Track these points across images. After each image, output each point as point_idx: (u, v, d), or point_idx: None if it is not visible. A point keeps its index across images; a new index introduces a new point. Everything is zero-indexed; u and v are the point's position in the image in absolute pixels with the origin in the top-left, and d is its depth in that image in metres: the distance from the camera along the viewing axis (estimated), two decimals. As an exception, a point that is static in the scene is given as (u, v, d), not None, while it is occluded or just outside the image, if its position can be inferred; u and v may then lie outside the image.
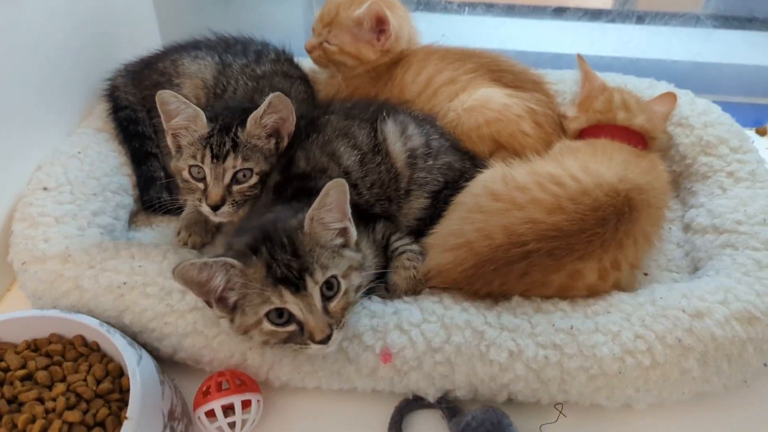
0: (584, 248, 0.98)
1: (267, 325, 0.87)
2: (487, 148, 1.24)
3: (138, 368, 0.86)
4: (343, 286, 0.88)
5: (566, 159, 1.11)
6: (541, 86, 1.33)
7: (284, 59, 1.35)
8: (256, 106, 1.06)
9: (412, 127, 1.15)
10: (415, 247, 1.07)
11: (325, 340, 0.85)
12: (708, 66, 1.68)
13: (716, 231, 1.12)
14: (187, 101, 1.06)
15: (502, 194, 1.04)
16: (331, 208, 0.89)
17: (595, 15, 1.83)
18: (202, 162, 1.06)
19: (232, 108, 1.12)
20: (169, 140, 1.10)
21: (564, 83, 1.42)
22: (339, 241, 0.91)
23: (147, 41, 1.47)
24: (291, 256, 0.86)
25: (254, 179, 1.08)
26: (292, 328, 0.87)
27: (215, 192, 1.06)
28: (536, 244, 0.97)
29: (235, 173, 1.06)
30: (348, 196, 0.89)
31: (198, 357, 0.97)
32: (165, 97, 1.05)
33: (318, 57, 1.36)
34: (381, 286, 1.05)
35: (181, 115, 1.06)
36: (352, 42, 1.33)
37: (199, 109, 1.06)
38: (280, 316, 0.86)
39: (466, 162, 1.19)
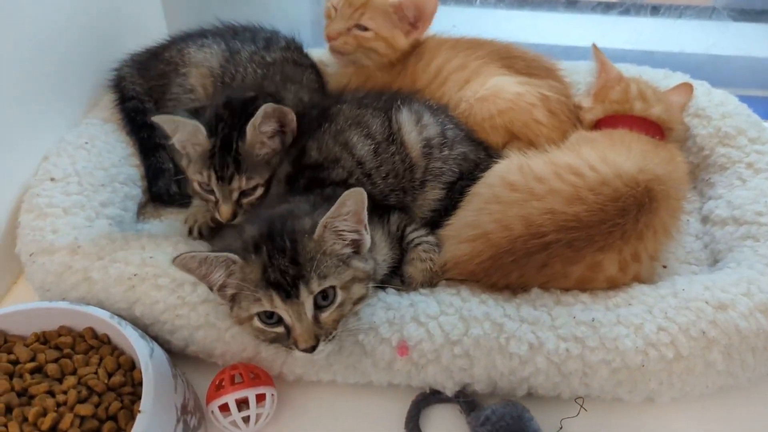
0: (604, 239, 0.96)
1: (257, 323, 0.86)
2: (500, 139, 1.22)
3: (150, 361, 0.84)
4: (339, 298, 0.86)
5: (584, 149, 1.09)
6: (554, 73, 1.31)
7: (294, 48, 1.33)
8: (260, 95, 1.04)
9: (427, 116, 1.12)
10: (431, 238, 1.04)
11: (309, 350, 0.84)
12: (722, 59, 1.66)
13: (736, 222, 1.10)
14: (183, 119, 1.04)
15: (520, 185, 1.02)
16: (347, 217, 0.86)
17: (608, 7, 1.81)
18: (209, 181, 1.06)
19: (233, 105, 1.09)
20: (176, 143, 1.08)
21: (578, 74, 1.39)
22: (349, 250, 0.88)
23: (153, 32, 1.45)
24: (289, 262, 0.83)
25: (260, 191, 1.08)
26: (280, 330, 0.85)
27: (225, 209, 1.07)
28: (556, 234, 0.95)
29: (242, 191, 1.07)
30: (366, 205, 0.86)
31: (210, 350, 0.95)
32: (160, 122, 1.05)
33: (343, 44, 1.30)
34: (396, 278, 1.03)
35: (181, 131, 1.05)
36: (389, 27, 1.29)
37: (197, 123, 1.04)
38: (270, 316, 0.85)
39: (481, 153, 1.17)
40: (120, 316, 0.93)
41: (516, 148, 1.17)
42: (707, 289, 0.94)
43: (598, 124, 1.23)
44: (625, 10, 1.79)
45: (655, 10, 1.77)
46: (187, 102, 1.24)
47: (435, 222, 1.09)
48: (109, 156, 1.19)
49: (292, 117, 1.07)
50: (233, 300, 0.87)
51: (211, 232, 1.16)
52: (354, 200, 0.84)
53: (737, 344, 0.90)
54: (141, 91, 1.29)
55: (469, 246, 0.99)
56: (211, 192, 1.07)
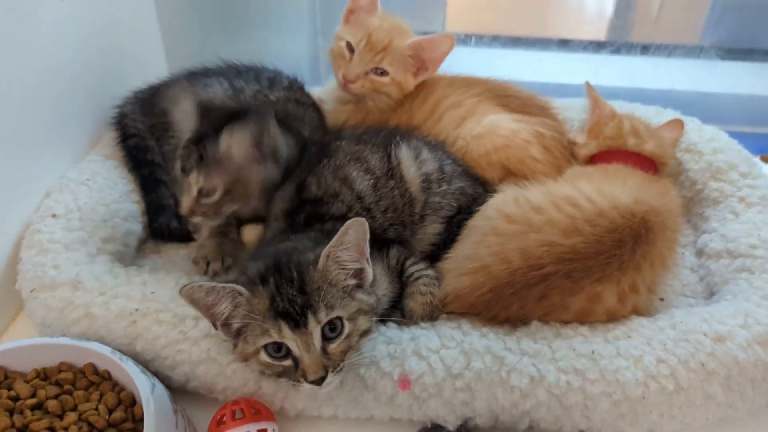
0: (602, 270, 0.97)
1: (264, 356, 0.85)
2: (496, 175, 1.24)
3: (152, 397, 0.84)
4: (347, 328, 0.86)
5: (580, 182, 1.10)
6: (548, 111, 1.34)
7: (296, 87, 1.35)
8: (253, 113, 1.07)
9: (425, 152, 1.15)
10: (430, 272, 1.05)
11: (318, 381, 0.83)
12: (711, 96, 1.70)
13: (731, 255, 1.11)
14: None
15: (517, 216, 1.03)
16: (348, 247, 0.86)
17: (599, 46, 1.85)
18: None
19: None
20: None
21: (571, 110, 1.43)
22: (352, 281, 0.89)
23: (155, 70, 1.48)
24: (297, 292, 0.84)
25: (218, 195, 1.09)
26: (287, 363, 0.85)
27: (184, 200, 1.09)
28: (554, 266, 0.96)
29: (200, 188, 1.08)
30: (368, 235, 0.87)
31: (211, 385, 0.95)
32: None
33: (360, 87, 1.32)
34: (397, 312, 1.04)
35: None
36: (403, 71, 1.33)
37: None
38: (278, 350, 0.85)
39: (478, 187, 1.19)
40: (121, 351, 0.93)
41: (512, 184, 1.19)
42: (705, 321, 0.95)
43: (592, 160, 1.26)
44: (616, 49, 1.84)
45: (645, 49, 1.82)
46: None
47: (434, 256, 1.11)
48: (110, 192, 1.20)
49: (270, 141, 1.08)
50: (238, 336, 0.87)
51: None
52: (355, 230, 0.85)
53: (736, 376, 0.90)
54: (143, 129, 1.31)
55: (469, 279, 1.00)
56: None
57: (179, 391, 0.97)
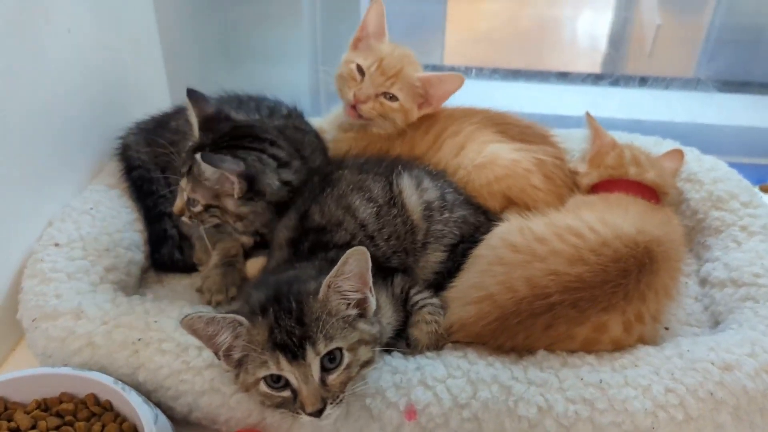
0: (608, 299, 0.97)
1: (263, 387, 0.84)
2: (498, 204, 1.24)
3: (155, 428, 0.83)
4: (346, 359, 0.85)
5: (583, 212, 1.11)
6: (548, 139, 1.35)
7: (296, 115, 1.36)
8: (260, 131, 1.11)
9: (427, 180, 1.15)
10: (435, 300, 1.05)
11: (317, 413, 0.82)
12: (709, 127, 1.72)
13: (735, 284, 1.11)
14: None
15: (522, 246, 1.03)
16: (349, 277, 0.86)
17: (597, 78, 1.88)
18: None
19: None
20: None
21: (571, 141, 1.44)
22: (354, 311, 0.88)
23: (158, 101, 1.49)
24: (295, 323, 0.83)
25: (199, 208, 1.11)
26: (286, 394, 0.84)
27: (177, 201, 1.14)
28: (560, 295, 0.96)
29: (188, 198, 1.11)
30: (369, 264, 0.86)
31: (214, 416, 0.93)
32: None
33: (369, 109, 1.32)
34: (402, 341, 1.03)
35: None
36: (411, 100, 1.34)
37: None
38: (277, 380, 0.84)
39: (480, 216, 1.19)
40: (123, 381, 0.92)
41: (514, 213, 1.19)
42: (712, 350, 0.95)
43: (594, 189, 1.26)
44: (615, 81, 1.87)
45: (642, 81, 1.85)
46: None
47: (439, 284, 1.10)
48: (113, 221, 1.20)
49: (231, 187, 1.09)
50: (239, 365, 0.86)
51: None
52: (356, 259, 0.84)
53: (745, 405, 0.89)
54: (147, 160, 1.31)
55: (475, 308, 1.00)
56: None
57: (182, 422, 0.96)
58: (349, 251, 0.83)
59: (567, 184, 1.30)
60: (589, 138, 1.33)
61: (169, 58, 1.57)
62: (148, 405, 0.88)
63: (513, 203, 1.24)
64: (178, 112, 1.36)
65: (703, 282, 1.20)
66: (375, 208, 1.09)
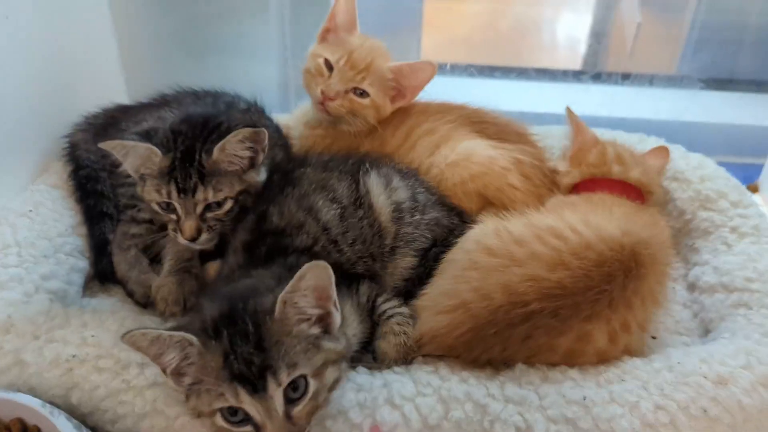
0: (591, 307, 0.89)
1: (219, 420, 0.75)
2: (474, 205, 1.16)
3: (84, 456, 0.73)
4: (312, 388, 0.76)
5: (564, 212, 1.03)
6: (526, 138, 1.27)
7: (255, 110, 1.27)
8: (219, 113, 1.00)
9: (396, 179, 1.07)
10: (404, 309, 0.96)
11: None
12: (693, 125, 1.66)
13: (726, 290, 1.04)
14: (135, 142, 0.98)
15: (498, 249, 0.95)
16: (307, 293, 0.76)
17: (577, 75, 1.82)
18: (169, 197, 0.98)
19: (193, 121, 1.03)
20: (128, 169, 1.01)
21: (551, 138, 1.37)
22: (316, 330, 0.78)
23: (113, 94, 1.38)
24: (253, 349, 0.73)
25: (229, 204, 1.01)
26: (247, 428, 0.74)
27: (189, 225, 0.99)
28: (539, 303, 0.88)
29: (207, 204, 1.00)
30: (332, 278, 0.77)
31: (157, 441, 0.84)
32: (109, 148, 0.97)
33: (338, 107, 1.22)
34: (368, 355, 0.94)
35: (132, 156, 0.98)
36: (382, 95, 1.25)
37: (150, 146, 0.97)
38: (235, 413, 0.74)
39: (455, 218, 1.11)
40: (54, 404, 0.82)
41: (491, 214, 1.11)
42: (704, 362, 0.87)
43: (575, 188, 1.19)
44: (596, 78, 1.80)
45: (624, 78, 1.79)
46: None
47: (409, 292, 1.02)
48: (55, 225, 1.10)
49: (265, 136, 1.00)
50: (191, 389, 0.77)
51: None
52: (314, 275, 0.75)
53: (741, 423, 0.82)
54: (94, 159, 1.21)
55: (447, 317, 0.91)
56: (173, 210, 1.00)
57: (122, 448, 0.86)
58: (306, 265, 0.74)
59: (546, 185, 1.22)
60: (570, 135, 1.25)
61: (125, 49, 1.47)
62: (79, 431, 0.78)
63: (489, 204, 1.16)
64: (129, 113, 1.26)
65: (692, 287, 1.13)
66: (339, 210, 1.01)
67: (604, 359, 0.91)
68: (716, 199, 1.18)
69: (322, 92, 1.22)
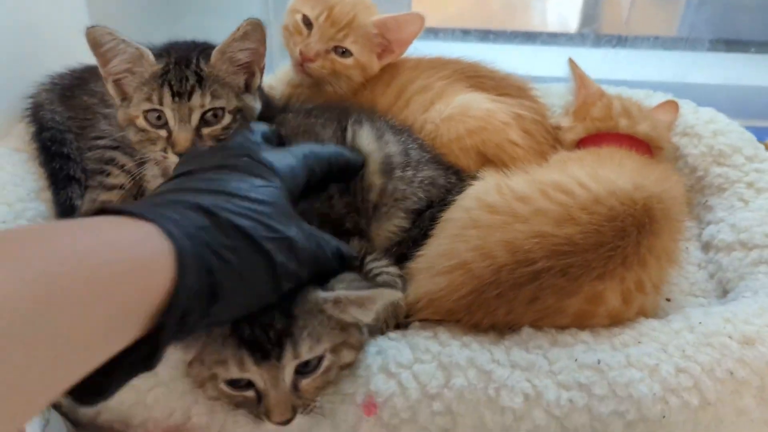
0: (603, 265, 0.81)
1: (223, 386, 0.68)
2: (471, 163, 1.07)
3: (42, 435, 0.64)
4: (326, 362, 0.69)
5: (570, 167, 0.95)
6: (527, 93, 1.18)
7: None
8: (210, 45, 0.90)
9: (388, 134, 0.98)
10: (392, 269, 0.88)
11: (285, 423, 0.68)
12: (699, 87, 1.58)
13: (744, 247, 0.97)
14: (127, 40, 0.87)
15: (500, 206, 0.87)
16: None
17: (575, 38, 1.74)
18: (161, 104, 0.86)
19: (181, 42, 0.94)
20: (110, 88, 0.90)
21: (552, 96, 1.28)
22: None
23: (81, 57, 1.28)
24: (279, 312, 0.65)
25: (227, 119, 0.89)
26: (249, 394, 0.68)
27: (183, 137, 0.86)
28: (547, 261, 0.80)
29: (204, 113, 0.88)
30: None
31: (127, 418, 0.75)
32: (97, 36, 0.84)
33: (319, 68, 1.13)
34: None
35: (120, 56, 0.87)
36: (368, 52, 1.16)
37: (143, 47, 0.88)
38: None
39: (451, 177, 1.02)
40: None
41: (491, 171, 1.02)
42: (728, 321, 0.80)
43: (580, 144, 1.11)
44: (595, 39, 1.72)
45: (623, 40, 1.71)
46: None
47: (403, 256, 0.93)
48: (15, 189, 1.00)
49: (264, 50, 0.91)
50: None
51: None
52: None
53: (771, 385, 0.75)
54: (60, 120, 1.12)
55: (445, 279, 0.83)
56: (163, 125, 0.88)
57: (89, 428, 0.77)
58: None
59: (549, 142, 1.14)
60: (573, 88, 1.17)
61: (95, 7, 1.37)
62: (37, 407, 0.69)
63: (488, 161, 1.07)
64: (97, 72, 1.16)
65: (707, 247, 1.05)
66: None
67: (616, 321, 0.83)
68: (730, 154, 1.10)
69: (301, 52, 1.13)
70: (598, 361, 0.75)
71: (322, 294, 0.67)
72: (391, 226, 0.95)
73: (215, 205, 0.57)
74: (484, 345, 0.78)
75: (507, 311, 0.81)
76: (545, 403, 0.72)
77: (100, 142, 1.08)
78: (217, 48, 0.88)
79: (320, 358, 0.69)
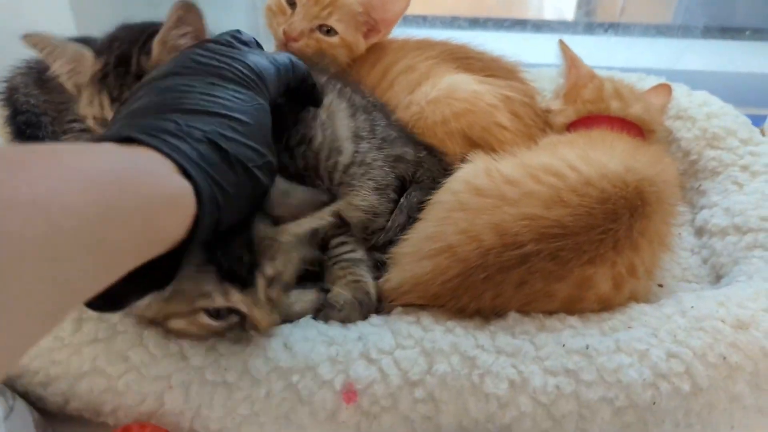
0: (594, 249, 0.78)
1: (202, 318, 0.71)
2: (457, 147, 1.03)
3: (5, 424, 0.62)
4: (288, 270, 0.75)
5: (560, 149, 0.93)
6: (516, 75, 1.15)
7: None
8: (158, 24, 0.86)
9: (360, 112, 0.95)
10: (357, 254, 0.86)
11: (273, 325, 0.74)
12: (693, 74, 1.55)
13: (739, 231, 0.94)
14: (64, 40, 0.84)
15: (488, 189, 0.84)
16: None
17: (570, 26, 1.71)
18: (102, 110, 0.84)
19: (130, 27, 0.89)
20: (64, 83, 0.88)
21: (543, 80, 1.25)
22: None
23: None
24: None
25: None
26: (233, 319, 0.72)
27: None
28: (535, 245, 0.77)
29: None
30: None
31: (97, 405, 0.72)
32: (34, 42, 0.82)
33: (304, 47, 1.10)
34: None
35: (60, 59, 0.84)
36: (353, 31, 1.13)
37: (81, 47, 0.84)
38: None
39: (422, 151, 0.99)
40: (-25, 365, 0.70)
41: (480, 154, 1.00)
42: (721, 305, 0.77)
43: (570, 128, 1.08)
44: (590, 27, 1.69)
45: (618, 27, 1.68)
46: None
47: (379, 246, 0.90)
48: (-13, 174, 0.97)
49: (199, 11, 0.84)
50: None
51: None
52: None
53: (765, 371, 0.72)
54: (35, 103, 1.08)
55: (431, 263, 0.80)
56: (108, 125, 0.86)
57: (58, 417, 0.75)
58: None
59: (538, 125, 1.11)
60: (564, 70, 1.14)
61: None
62: (2, 396, 0.67)
63: (475, 145, 1.04)
64: None
65: (700, 231, 1.02)
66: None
67: (607, 306, 0.81)
68: (724, 137, 1.07)
69: (284, 32, 1.10)
70: (587, 347, 0.73)
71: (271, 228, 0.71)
72: (358, 199, 0.91)
73: (221, 136, 0.60)
74: (469, 330, 0.76)
75: (494, 295, 0.79)
76: (531, 390, 0.70)
77: (76, 125, 1.05)
78: (155, 41, 0.83)
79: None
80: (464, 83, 1.06)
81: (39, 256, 0.38)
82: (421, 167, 0.94)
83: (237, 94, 0.65)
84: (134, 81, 0.83)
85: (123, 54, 0.84)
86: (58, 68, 0.85)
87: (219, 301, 0.69)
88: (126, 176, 0.48)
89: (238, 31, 0.77)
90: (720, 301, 0.78)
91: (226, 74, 0.66)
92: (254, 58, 0.71)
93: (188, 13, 0.81)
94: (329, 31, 1.11)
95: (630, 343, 0.73)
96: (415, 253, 0.83)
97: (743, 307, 0.77)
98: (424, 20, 1.74)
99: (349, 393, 0.70)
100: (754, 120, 1.41)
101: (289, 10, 1.11)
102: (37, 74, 1.12)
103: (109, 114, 0.84)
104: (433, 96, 1.04)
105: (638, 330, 0.75)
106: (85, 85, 0.85)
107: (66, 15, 1.32)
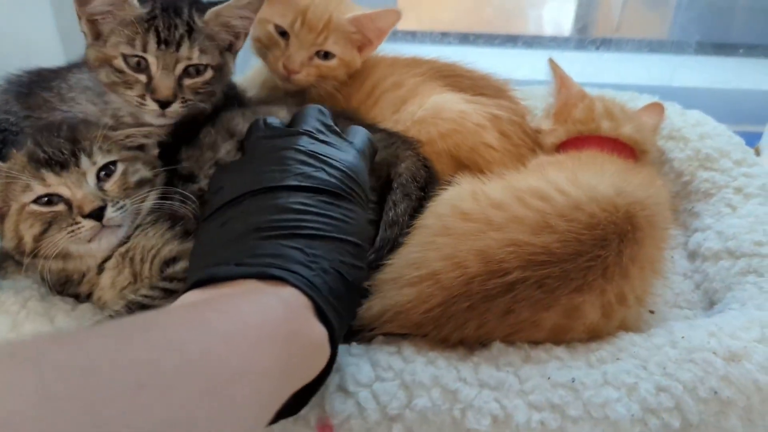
0: (582, 277, 0.76)
1: (32, 207, 0.76)
2: (445, 167, 1.01)
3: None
4: (120, 167, 0.79)
5: (549, 171, 0.90)
6: (505, 93, 1.14)
7: None
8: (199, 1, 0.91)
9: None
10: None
11: (97, 213, 0.75)
12: (686, 91, 1.54)
13: (732, 256, 0.92)
14: None
15: (474, 213, 0.82)
16: None
17: (565, 42, 1.70)
18: (144, 50, 0.85)
19: None
20: (82, 26, 0.88)
21: (534, 98, 1.23)
22: None
23: (47, 54, 1.23)
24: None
25: (209, 74, 0.90)
26: (59, 208, 0.76)
27: (165, 85, 0.85)
28: (522, 272, 0.75)
29: (188, 66, 0.87)
30: None
31: None
32: None
33: (306, 77, 1.10)
34: None
35: None
36: (349, 49, 1.12)
37: None
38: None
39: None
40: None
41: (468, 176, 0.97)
42: (713, 335, 0.75)
43: (561, 148, 1.06)
44: (585, 43, 1.68)
45: (613, 44, 1.67)
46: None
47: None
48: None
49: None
50: None
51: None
52: None
53: (758, 405, 0.69)
54: (14, 121, 1.06)
55: (413, 290, 0.78)
56: (143, 69, 0.86)
57: None
58: None
59: (527, 144, 1.09)
60: (554, 89, 1.12)
61: (60, 11, 1.32)
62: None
63: (462, 166, 1.02)
64: (60, 73, 1.11)
65: (693, 255, 1.00)
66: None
67: (595, 335, 0.78)
68: (718, 158, 1.05)
69: (285, 66, 1.09)
70: (573, 380, 0.70)
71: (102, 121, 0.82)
72: None
73: (342, 264, 0.65)
74: (451, 362, 0.73)
75: (478, 325, 0.76)
76: (514, 426, 0.67)
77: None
78: (215, 9, 0.88)
79: (114, 163, 0.79)
80: (451, 102, 1.04)
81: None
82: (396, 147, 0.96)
83: (348, 213, 0.69)
84: (185, 27, 0.86)
85: (170, 4, 0.87)
86: (96, 6, 0.86)
87: (38, 189, 0.75)
88: (291, 329, 0.55)
89: (321, 110, 0.79)
90: (711, 331, 0.75)
91: (335, 191, 0.69)
92: (348, 160, 0.74)
93: (257, 2, 0.89)
94: (327, 55, 1.10)
95: (618, 375, 0.71)
96: (397, 280, 0.81)
97: (735, 338, 0.74)
98: (413, 36, 1.72)
99: (325, 428, 0.67)
100: (748, 137, 1.39)
101: (282, 41, 1.10)
102: (18, 89, 1.10)
103: (152, 52, 0.85)
104: (419, 116, 1.02)
105: (627, 362, 0.73)
106: (121, 25, 0.86)
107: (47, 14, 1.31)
